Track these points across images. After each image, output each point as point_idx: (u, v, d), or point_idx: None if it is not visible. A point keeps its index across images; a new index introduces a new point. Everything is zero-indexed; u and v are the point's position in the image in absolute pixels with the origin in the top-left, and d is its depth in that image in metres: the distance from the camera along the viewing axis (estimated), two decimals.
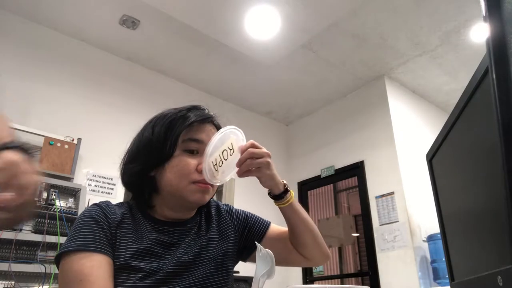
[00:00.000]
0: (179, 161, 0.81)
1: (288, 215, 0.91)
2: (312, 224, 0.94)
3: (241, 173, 0.83)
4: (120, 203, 0.87)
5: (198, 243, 0.85)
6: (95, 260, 0.70)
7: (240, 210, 1.01)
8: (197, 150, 0.83)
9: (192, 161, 0.81)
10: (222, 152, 0.80)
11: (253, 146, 0.83)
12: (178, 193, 0.81)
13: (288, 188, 0.90)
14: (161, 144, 0.82)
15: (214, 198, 0.99)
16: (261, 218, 1.01)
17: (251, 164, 0.82)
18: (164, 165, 0.82)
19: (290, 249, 0.95)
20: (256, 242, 0.70)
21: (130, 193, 0.89)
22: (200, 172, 0.80)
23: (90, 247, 0.71)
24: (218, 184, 0.83)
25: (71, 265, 0.70)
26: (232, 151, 0.82)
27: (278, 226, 1.00)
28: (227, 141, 0.82)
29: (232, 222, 0.95)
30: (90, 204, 0.82)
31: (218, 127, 0.89)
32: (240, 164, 0.82)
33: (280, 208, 0.91)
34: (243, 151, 0.82)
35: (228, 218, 0.95)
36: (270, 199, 0.91)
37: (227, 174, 0.83)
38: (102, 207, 0.79)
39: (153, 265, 0.75)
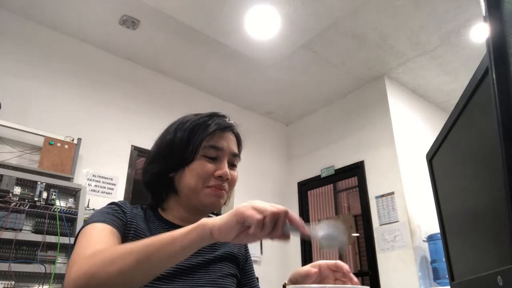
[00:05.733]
0: (199, 165, 0.85)
1: None
2: None
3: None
4: (134, 205, 0.90)
5: (212, 253, 0.88)
6: (105, 227, 0.75)
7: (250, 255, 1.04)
8: (216, 156, 0.87)
9: (211, 167, 0.85)
10: None
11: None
12: (195, 196, 0.85)
13: None
14: (183, 148, 0.86)
15: None
16: (255, 278, 1.01)
17: None
18: (184, 168, 0.85)
19: None
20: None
21: (149, 193, 0.93)
22: (216, 177, 0.85)
23: (105, 220, 0.76)
24: None
25: (84, 230, 0.75)
26: None
27: None
28: None
29: (242, 258, 0.97)
30: (108, 204, 0.87)
31: (237, 136, 0.94)
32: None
33: None
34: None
35: (242, 249, 0.98)
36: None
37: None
38: (119, 205, 0.84)
39: None
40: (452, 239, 0.76)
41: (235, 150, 0.91)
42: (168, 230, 0.82)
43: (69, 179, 2.91)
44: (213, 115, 0.91)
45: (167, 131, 0.92)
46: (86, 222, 0.77)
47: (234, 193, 3.77)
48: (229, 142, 0.89)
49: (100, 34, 3.55)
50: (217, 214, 0.96)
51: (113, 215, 0.79)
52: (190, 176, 0.84)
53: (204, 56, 3.86)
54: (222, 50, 3.75)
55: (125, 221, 0.80)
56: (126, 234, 0.79)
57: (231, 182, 0.89)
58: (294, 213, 0.60)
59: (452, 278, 0.75)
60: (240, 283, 0.95)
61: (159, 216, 0.89)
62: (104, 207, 0.83)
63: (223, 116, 0.93)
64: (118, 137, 3.56)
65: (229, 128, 0.91)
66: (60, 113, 3.26)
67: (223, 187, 0.86)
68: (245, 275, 0.97)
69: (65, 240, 2.45)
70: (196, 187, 0.84)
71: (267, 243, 4.10)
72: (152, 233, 0.82)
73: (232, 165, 0.90)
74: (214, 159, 0.86)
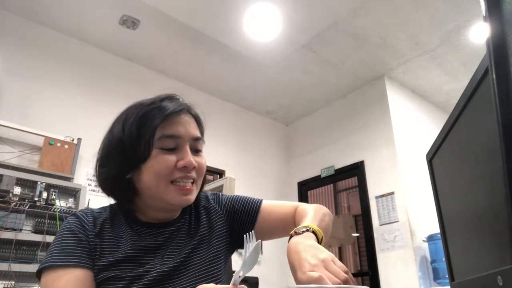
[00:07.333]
0: (156, 161, 0.74)
1: None
2: None
3: None
4: (103, 207, 0.83)
5: (189, 244, 0.80)
6: (70, 275, 0.68)
7: (229, 196, 0.93)
8: (175, 146, 0.76)
9: (172, 159, 0.74)
10: None
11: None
12: (159, 195, 0.75)
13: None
14: (134, 143, 0.74)
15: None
16: (251, 198, 0.91)
17: None
18: (140, 167, 0.74)
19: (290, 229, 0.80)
20: (246, 234, 0.63)
21: (110, 197, 0.83)
22: (180, 168, 0.75)
23: (67, 261, 0.70)
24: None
25: (47, 281, 0.69)
26: None
27: (274, 203, 0.90)
28: None
29: (222, 211, 0.89)
30: (70, 216, 0.80)
31: (195, 116, 0.82)
32: None
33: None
34: None
35: (218, 209, 0.89)
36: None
37: None
38: (81, 218, 0.77)
39: (137, 272, 0.73)
40: (452, 239, 0.76)
41: (196, 133, 0.79)
42: (141, 232, 0.78)
43: (69, 179, 2.91)
44: (163, 99, 0.80)
45: (112, 127, 0.81)
46: (45, 263, 0.69)
47: (235, 193, 3.77)
48: (187, 126, 0.78)
49: (100, 34, 3.55)
50: (197, 202, 0.87)
51: (76, 246, 0.72)
52: (149, 175, 0.74)
53: (204, 56, 3.86)
54: (222, 50, 3.75)
55: (89, 246, 0.73)
56: (93, 255, 0.73)
57: (199, 170, 0.78)
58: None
59: (452, 278, 0.75)
60: (244, 230, 0.85)
61: (129, 216, 0.80)
62: (64, 228, 0.75)
63: (174, 98, 0.82)
64: None
65: (183, 110, 0.79)
66: (60, 113, 3.26)
67: (190, 177, 0.76)
68: (240, 218, 0.87)
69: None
70: (159, 186, 0.74)
71: (267, 243, 4.10)
72: (120, 239, 0.76)
73: (196, 151, 0.79)
74: (173, 150, 0.75)
